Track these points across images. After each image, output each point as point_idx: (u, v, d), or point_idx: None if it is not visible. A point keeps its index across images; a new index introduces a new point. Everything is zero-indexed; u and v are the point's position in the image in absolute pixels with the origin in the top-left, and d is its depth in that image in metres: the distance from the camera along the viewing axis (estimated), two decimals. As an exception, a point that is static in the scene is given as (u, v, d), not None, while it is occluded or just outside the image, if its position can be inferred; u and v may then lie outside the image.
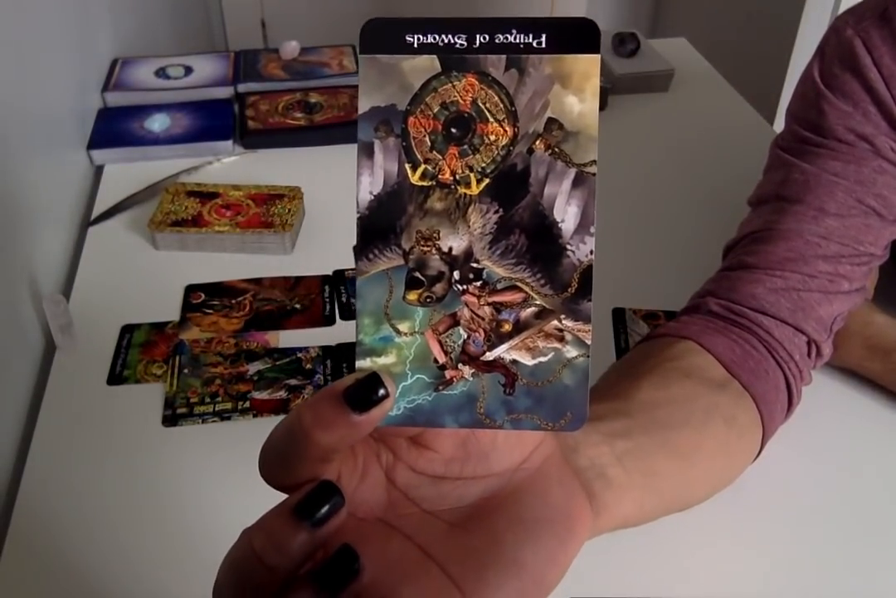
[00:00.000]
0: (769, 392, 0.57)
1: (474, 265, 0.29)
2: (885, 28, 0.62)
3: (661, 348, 0.57)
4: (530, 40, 0.28)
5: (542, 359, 0.29)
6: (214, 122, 1.10)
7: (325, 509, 0.27)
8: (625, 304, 0.82)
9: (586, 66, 0.28)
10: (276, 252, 0.90)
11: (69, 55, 1.06)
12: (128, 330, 0.80)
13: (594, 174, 0.29)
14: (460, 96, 0.29)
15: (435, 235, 0.29)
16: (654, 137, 1.13)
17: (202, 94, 1.15)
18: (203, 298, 0.84)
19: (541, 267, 0.29)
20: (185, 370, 0.76)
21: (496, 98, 0.29)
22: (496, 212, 0.29)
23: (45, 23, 0.96)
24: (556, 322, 0.29)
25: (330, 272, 0.88)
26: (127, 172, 1.04)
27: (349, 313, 0.83)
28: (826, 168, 0.62)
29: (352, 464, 0.31)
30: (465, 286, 0.30)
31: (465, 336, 0.30)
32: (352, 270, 0.87)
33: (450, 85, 0.29)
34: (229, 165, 1.05)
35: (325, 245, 0.91)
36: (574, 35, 0.28)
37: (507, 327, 0.30)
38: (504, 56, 0.28)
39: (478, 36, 0.28)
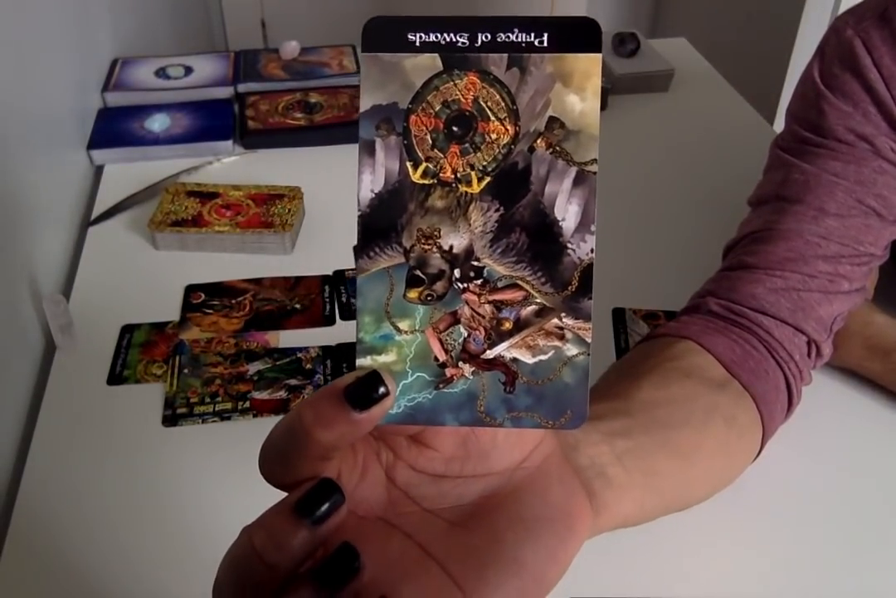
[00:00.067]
0: (769, 392, 0.57)
1: (475, 263, 0.29)
2: (886, 28, 0.62)
3: (662, 347, 0.58)
4: (532, 39, 0.28)
5: (543, 357, 0.29)
6: (214, 122, 1.10)
7: (325, 506, 0.27)
8: (625, 304, 0.82)
9: (587, 65, 0.28)
10: (276, 252, 0.90)
11: (69, 55, 1.06)
12: (128, 330, 0.80)
13: (595, 173, 0.29)
14: (462, 95, 0.29)
15: (436, 233, 0.29)
16: (654, 137, 1.13)
17: (202, 94, 1.15)
18: (203, 298, 0.84)
19: (541, 265, 0.29)
20: (185, 370, 0.76)
21: (497, 97, 0.29)
22: (497, 210, 0.29)
23: (45, 23, 0.96)
24: (556, 320, 0.29)
25: (330, 272, 0.88)
26: (127, 172, 1.04)
27: (349, 313, 0.83)
28: (826, 168, 0.62)
29: (352, 462, 0.31)
30: (465, 284, 0.30)
31: (466, 334, 0.30)
32: (352, 270, 0.87)
33: (451, 83, 0.29)
34: (229, 165, 1.05)
35: (325, 245, 0.91)
36: (575, 34, 0.28)
37: (508, 326, 0.30)
38: (506, 55, 0.29)
39: (479, 35, 0.28)
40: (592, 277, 0.29)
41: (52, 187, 0.93)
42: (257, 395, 0.73)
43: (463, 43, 0.29)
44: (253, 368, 0.76)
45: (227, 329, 0.80)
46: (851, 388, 0.73)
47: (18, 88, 0.86)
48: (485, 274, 0.30)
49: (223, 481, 0.66)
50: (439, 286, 0.29)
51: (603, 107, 1.15)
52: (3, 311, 0.75)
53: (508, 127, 0.29)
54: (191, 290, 0.85)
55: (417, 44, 0.29)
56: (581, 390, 0.29)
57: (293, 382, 0.75)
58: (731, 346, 0.57)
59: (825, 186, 0.62)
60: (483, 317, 0.30)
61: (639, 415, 0.48)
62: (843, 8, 1.61)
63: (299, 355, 0.78)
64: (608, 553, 0.55)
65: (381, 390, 0.28)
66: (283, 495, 0.29)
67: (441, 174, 0.29)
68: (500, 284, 0.30)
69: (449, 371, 0.29)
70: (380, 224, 0.29)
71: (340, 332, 0.80)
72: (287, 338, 0.80)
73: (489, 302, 0.30)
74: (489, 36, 0.28)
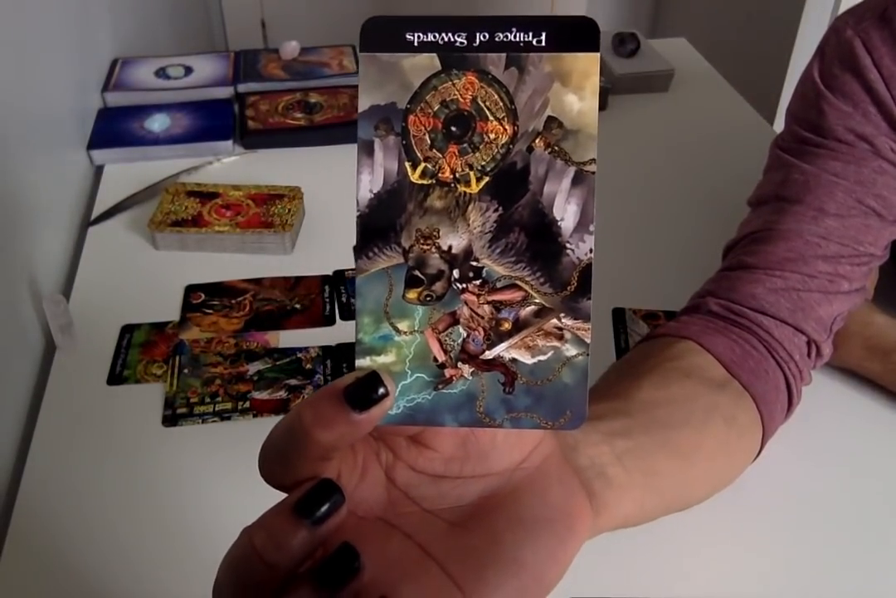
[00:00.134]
0: (769, 392, 0.57)
1: (474, 264, 0.29)
2: (885, 29, 0.62)
3: (661, 347, 0.57)
4: (530, 39, 0.28)
5: (542, 357, 0.29)
6: (214, 122, 1.10)
7: (325, 507, 0.27)
8: (625, 304, 0.82)
9: (586, 65, 0.28)
10: (276, 252, 0.90)
11: (69, 55, 1.06)
12: (128, 330, 0.80)
13: (594, 173, 0.29)
14: (460, 94, 0.29)
15: (435, 233, 0.29)
16: (654, 137, 1.13)
17: (202, 94, 1.15)
18: (203, 298, 0.84)
19: (540, 265, 0.29)
20: (185, 370, 0.76)
21: (496, 96, 0.29)
22: (496, 210, 0.29)
23: (45, 23, 0.96)
24: (555, 321, 0.29)
25: (330, 272, 0.88)
26: (127, 172, 1.04)
27: (349, 313, 0.83)
28: (826, 168, 0.62)
29: (351, 463, 0.31)
30: (464, 285, 0.30)
31: (465, 335, 0.30)
32: (352, 270, 0.87)
33: (450, 83, 0.29)
34: (229, 165, 1.05)
35: (325, 245, 0.91)
36: (574, 33, 0.28)
37: (507, 326, 0.30)
38: (504, 54, 0.28)
39: (478, 34, 0.28)
40: (591, 277, 0.29)
41: (52, 187, 0.93)
42: (257, 395, 0.73)
43: (461, 43, 0.29)
44: (253, 368, 0.76)
45: (227, 329, 0.80)
46: (851, 388, 0.73)
47: (18, 88, 0.86)
48: (484, 274, 0.30)
49: (223, 481, 0.66)
50: (438, 287, 0.29)
51: (603, 107, 1.15)
52: (3, 311, 0.75)
53: (507, 127, 0.29)
54: (191, 290, 0.85)
55: (415, 44, 0.29)
56: (580, 391, 0.29)
57: (293, 382, 0.75)
58: (730, 346, 0.57)
59: (825, 186, 0.62)
60: (482, 317, 0.30)
61: (639, 415, 0.48)
62: (843, 8, 1.61)
63: (299, 355, 0.78)
64: (608, 553, 0.55)
65: (381, 390, 0.28)
66: (283, 495, 0.29)
67: (440, 174, 0.29)
68: (499, 285, 0.30)
69: (448, 372, 0.29)
70: (379, 224, 0.29)
71: (340, 332, 0.80)
72: (287, 338, 0.80)
73: (488, 302, 0.30)
74: (487, 35, 0.28)
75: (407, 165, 0.29)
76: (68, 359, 0.78)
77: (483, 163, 0.29)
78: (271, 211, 0.92)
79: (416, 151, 0.29)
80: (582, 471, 0.39)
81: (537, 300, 0.29)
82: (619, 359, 0.62)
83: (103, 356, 0.77)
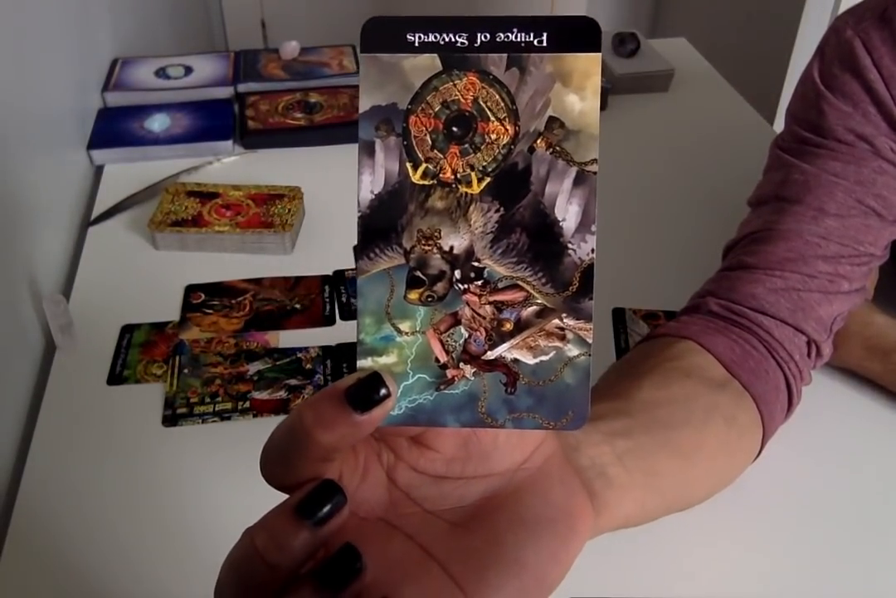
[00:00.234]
0: (769, 392, 0.57)
1: (475, 264, 0.29)
2: (885, 29, 0.62)
3: (662, 347, 0.57)
4: (531, 39, 0.28)
5: (544, 358, 0.29)
6: (214, 122, 1.10)
7: (326, 508, 0.27)
8: (625, 304, 0.82)
9: (587, 65, 0.28)
10: (276, 252, 0.90)
11: (69, 55, 1.06)
12: (128, 330, 0.80)
13: (595, 173, 0.29)
14: (461, 95, 0.29)
15: (436, 234, 0.29)
16: (654, 137, 1.13)
17: (202, 94, 1.15)
18: (203, 298, 0.84)
19: (542, 266, 0.29)
20: (185, 370, 0.76)
21: (497, 97, 0.29)
22: (497, 211, 0.29)
23: (45, 23, 0.96)
24: (557, 321, 0.29)
25: (330, 272, 0.87)
26: (127, 172, 1.04)
27: (349, 313, 0.83)
28: (826, 168, 0.62)
29: (353, 463, 0.31)
30: (466, 285, 0.30)
31: (467, 335, 0.30)
32: (352, 270, 0.87)
33: (451, 84, 0.29)
34: (229, 165, 1.05)
35: (325, 245, 0.91)
36: (575, 34, 0.28)
37: (509, 326, 0.30)
38: (505, 55, 0.28)
39: (479, 35, 0.28)
40: (593, 277, 0.29)
41: (52, 187, 0.93)
42: (257, 395, 0.73)
43: (462, 43, 0.29)
44: (253, 368, 0.76)
45: (227, 329, 0.80)
46: (851, 388, 0.73)
47: (18, 88, 0.86)
48: (485, 275, 0.30)
49: (223, 481, 0.66)
50: (440, 287, 0.29)
51: (603, 107, 1.15)
52: (3, 311, 0.75)
53: (508, 127, 0.29)
54: (191, 290, 0.85)
55: (416, 44, 0.29)
56: (582, 391, 0.29)
57: (293, 382, 0.75)
58: (731, 346, 0.57)
59: (825, 186, 0.62)
60: (484, 318, 0.30)
61: (639, 415, 0.48)
62: (843, 8, 1.61)
63: (299, 355, 0.78)
64: (608, 553, 0.55)
65: (383, 391, 0.28)
66: (284, 496, 0.29)
67: (441, 175, 0.29)
68: (500, 285, 0.30)
69: (450, 372, 0.29)
70: (380, 225, 0.29)
71: (340, 332, 0.80)
72: (287, 338, 0.80)
73: (490, 303, 0.30)
74: (488, 36, 0.28)
75: (408, 165, 0.29)
76: (68, 359, 0.77)
77: (484, 163, 0.29)
78: (271, 211, 0.92)
79: (418, 151, 0.29)
80: (583, 471, 0.39)
81: (539, 301, 0.29)
82: (620, 359, 0.62)
83: (103, 356, 0.77)
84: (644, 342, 0.61)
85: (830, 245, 0.60)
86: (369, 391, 0.28)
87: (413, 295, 0.29)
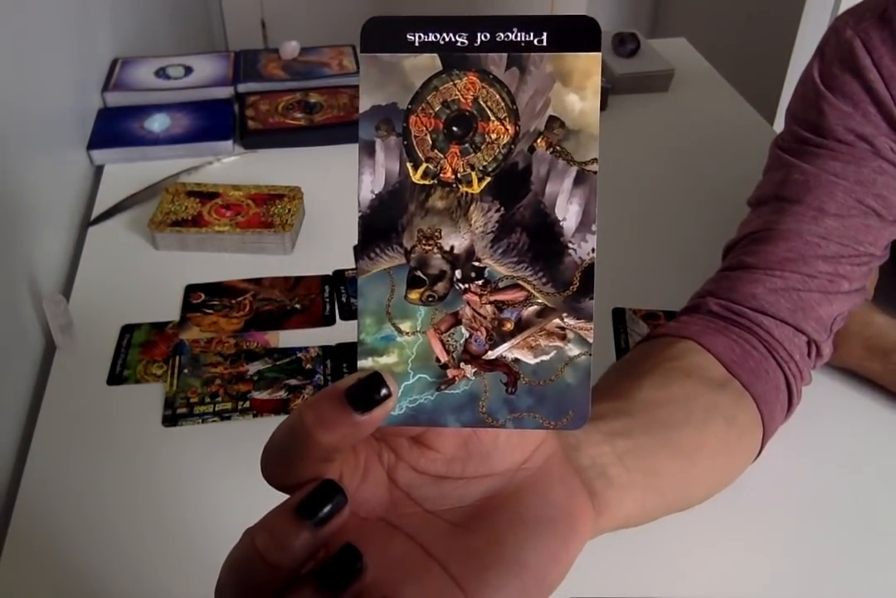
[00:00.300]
0: (769, 392, 0.57)
1: (476, 264, 0.29)
2: (885, 29, 0.62)
3: (662, 347, 0.57)
4: (531, 38, 0.28)
5: (544, 357, 0.29)
6: (214, 122, 1.10)
7: (327, 508, 0.27)
8: (625, 304, 0.82)
9: (587, 65, 0.28)
10: (276, 252, 0.90)
11: (69, 55, 1.05)
12: (128, 330, 0.80)
13: (595, 172, 0.29)
14: (461, 95, 0.29)
15: (436, 233, 0.29)
16: (654, 137, 1.13)
17: (202, 94, 1.15)
18: (203, 298, 0.84)
19: (542, 265, 0.29)
20: (185, 370, 0.76)
21: (497, 96, 0.29)
22: (497, 210, 0.29)
23: (45, 23, 0.96)
24: (557, 320, 0.29)
25: (330, 272, 0.87)
26: (127, 172, 1.04)
27: (349, 313, 0.83)
28: (826, 168, 0.62)
29: (353, 464, 0.31)
30: (466, 285, 0.30)
31: (467, 335, 0.30)
32: (352, 269, 0.87)
33: (451, 83, 0.29)
34: (229, 165, 1.05)
35: (325, 245, 0.91)
36: (575, 33, 0.28)
37: (509, 326, 0.30)
38: (505, 54, 0.28)
39: (479, 34, 0.28)
40: (594, 277, 0.29)
41: (52, 187, 0.93)
42: (257, 395, 0.73)
43: (462, 43, 0.29)
44: (253, 368, 0.76)
45: (227, 329, 0.80)
46: (851, 388, 0.73)
47: (18, 88, 0.86)
48: (486, 274, 0.30)
49: (223, 481, 0.66)
50: (440, 287, 0.29)
51: (603, 107, 1.15)
52: (3, 311, 0.75)
53: (508, 127, 0.29)
54: (191, 290, 0.85)
55: (416, 44, 0.29)
56: (583, 391, 0.29)
57: (293, 382, 0.75)
58: (731, 346, 0.57)
59: (825, 186, 0.62)
60: (484, 317, 0.30)
61: (639, 415, 0.48)
62: (843, 8, 1.61)
63: (299, 355, 0.78)
64: (608, 553, 0.55)
65: (383, 391, 0.28)
66: (284, 496, 0.29)
67: (441, 175, 0.29)
68: (501, 285, 0.30)
69: (450, 372, 0.29)
70: (380, 225, 0.29)
71: (340, 332, 0.80)
72: (287, 338, 0.80)
73: (490, 303, 0.30)
74: (488, 35, 0.28)
75: (408, 165, 0.29)
76: (68, 359, 0.77)
77: (485, 163, 0.29)
78: (271, 211, 0.92)
79: (418, 151, 0.29)
80: (583, 471, 0.39)
81: (539, 300, 0.29)
82: (620, 359, 0.62)
83: (103, 356, 0.77)
84: (644, 342, 0.61)
85: (830, 245, 0.60)
86: (370, 391, 0.28)
87: (414, 295, 0.29)
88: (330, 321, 0.82)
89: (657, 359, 0.56)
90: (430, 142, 0.29)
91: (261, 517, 0.28)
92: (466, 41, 0.28)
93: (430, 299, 0.29)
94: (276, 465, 0.29)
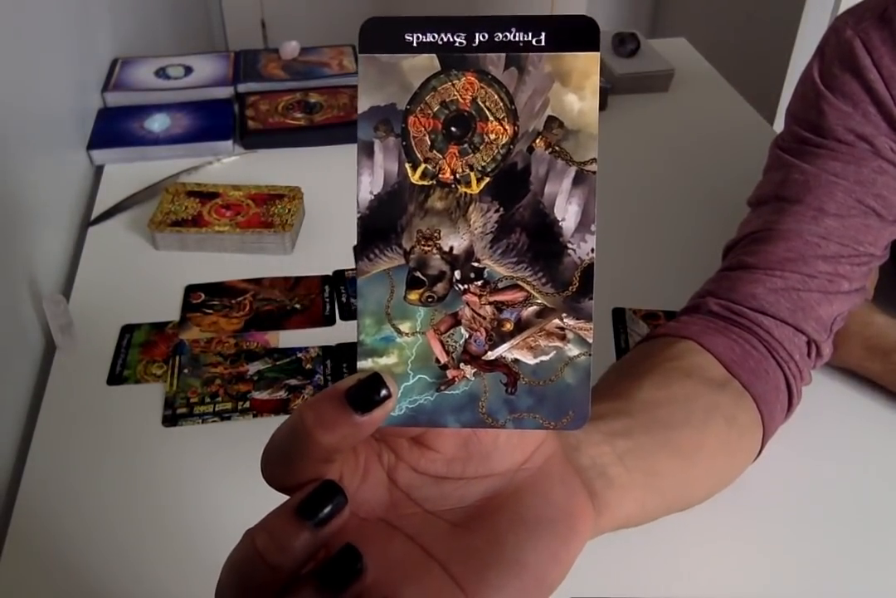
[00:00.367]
0: (769, 392, 0.57)
1: (475, 264, 0.29)
2: (885, 29, 0.62)
3: (662, 347, 0.57)
4: (530, 38, 0.28)
5: (544, 358, 0.29)
6: (214, 122, 1.10)
7: (327, 508, 0.27)
8: (625, 304, 0.82)
9: (586, 64, 0.28)
10: (276, 252, 0.90)
11: (69, 55, 1.05)
12: (128, 330, 0.80)
13: (594, 172, 0.29)
14: (460, 95, 0.29)
15: (436, 234, 0.29)
16: (654, 137, 1.13)
17: (202, 94, 1.15)
18: (203, 298, 0.84)
19: (542, 266, 0.29)
20: (185, 370, 0.76)
21: (496, 96, 0.29)
22: (497, 211, 0.29)
23: (45, 23, 0.96)
24: (557, 321, 0.29)
25: (330, 272, 0.87)
26: (127, 172, 1.04)
27: (349, 313, 0.83)
28: (826, 168, 0.62)
29: (353, 464, 0.31)
30: (466, 286, 0.30)
31: (467, 336, 0.30)
32: (352, 270, 0.87)
33: (449, 84, 0.29)
34: (229, 165, 1.05)
35: (325, 245, 0.91)
36: (573, 33, 0.28)
37: (509, 327, 0.30)
38: (503, 54, 0.28)
39: (477, 34, 0.28)
40: (593, 277, 0.29)
41: (52, 187, 0.93)
42: (257, 395, 0.73)
43: (460, 43, 0.28)
44: (253, 368, 0.76)
45: (227, 329, 0.80)
46: (851, 388, 0.73)
47: (18, 88, 0.86)
48: (485, 275, 0.29)
49: (223, 481, 0.66)
50: (440, 288, 0.29)
51: (603, 107, 1.15)
52: (3, 311, 0.75)
53: (507, 127, 0.29)
54: (191, 290, 0.85)
55: (415, 44, 0.29)
56: (583, 391, 0.29)
57: (293, 382, 0.75)
58: (731, 346, 0.57)
59: (825, 186, 0.62)
60: (484, 318, 0.30)
61: (639, 415, 0.48)
62: (843, 8, 1.61)
63: (299, 355, 0.78)
64: (608, 553, 0.55)
65: (383, 392, 0.28)
66: (285, 496, 0.29)
67: (440, 175, 0.29)
68: (500, 285, 0.30)
69: (450, 373, 0.29)
70: (379, 226, 0.29)
71: (340, 332, 0.80)
72: (287, 338, 0.80)
73: (490, 303, 0.30)
74: (487, 36, 0.28)
75: (407, 166, 0.29)
76: (68, 359, 0.77)
77: (483, 163, 0.29)
78: (271, 211, 0.92)
79: (417, 152, 0.29)
80: (583, 471, 0.39)
81: (539, 301, 0.29)
82: (620, 359, 0.62)
83: (103, 356, 0.77)
84: (644, 342, 0.61)
85: (830, 245, 0.60)
86: (370, 392, 0.28)
87: (413, 296, 0.29)
88: (330, 321, 0.82)
89: (657, 359, 0.56)
90: (429, 142, 0.29)
91: (261, 517, 0.28)
92: (465, 41, 0.28)
93: (430, 300, 0.29)
94: (277, 465, 0.29)
